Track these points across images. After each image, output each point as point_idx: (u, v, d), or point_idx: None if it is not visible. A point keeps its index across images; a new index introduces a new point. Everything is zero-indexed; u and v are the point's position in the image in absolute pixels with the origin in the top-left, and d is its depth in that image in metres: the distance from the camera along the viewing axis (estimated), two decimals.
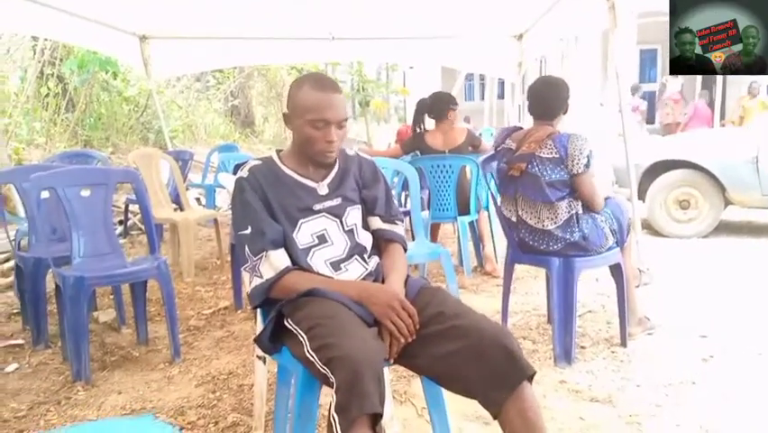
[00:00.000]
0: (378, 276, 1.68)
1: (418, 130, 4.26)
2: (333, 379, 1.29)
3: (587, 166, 2.51)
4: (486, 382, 1.38)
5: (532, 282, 3.87)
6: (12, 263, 4.00)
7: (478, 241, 4.34)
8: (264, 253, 1.57)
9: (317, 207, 1.68)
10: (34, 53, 7.69)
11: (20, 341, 3.06)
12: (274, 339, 1.58)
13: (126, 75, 9.05)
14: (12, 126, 6.74)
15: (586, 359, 2.64)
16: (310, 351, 1.38)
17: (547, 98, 2.67)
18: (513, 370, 1.37)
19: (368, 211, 1.78)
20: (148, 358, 2.83)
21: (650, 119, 12.69)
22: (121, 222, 5.82)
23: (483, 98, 15.24)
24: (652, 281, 3.61)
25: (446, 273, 2.89)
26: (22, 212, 4.00)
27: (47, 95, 7.64)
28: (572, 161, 2.49)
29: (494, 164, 2.79)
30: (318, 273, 1.61)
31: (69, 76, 7.91)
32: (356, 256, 1.69)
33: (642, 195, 5.32)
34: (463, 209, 4.09)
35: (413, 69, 19.76)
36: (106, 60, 7.34)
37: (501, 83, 14.84)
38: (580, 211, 2.57)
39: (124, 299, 3.28)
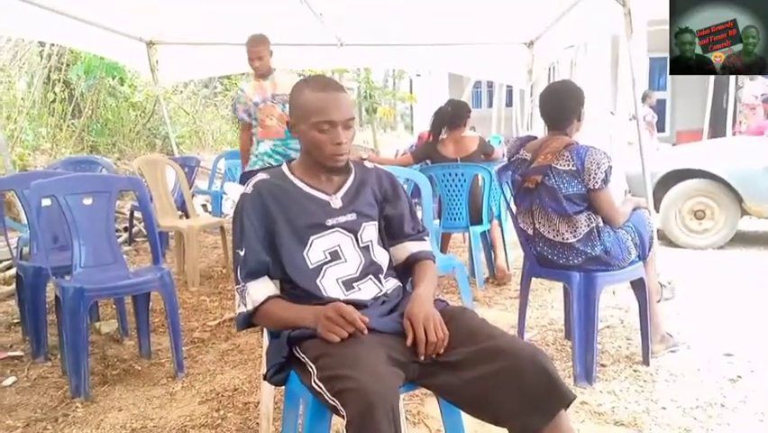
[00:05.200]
0: (396, 301, 1.58)
1: (439, 137, 4.16)
2: (343, 412, 1.18)
3: (605, 182, 2.39)
4: (520, 409, 1.27)
5: (546, 295, 3.76)
6: (15, 271, 3.92)
7: (490, 251, 4.23)
8: (244, 284, 1.53)
9: (330, 222, 1.58)
10: (41, 58, 7.64)
11: (19, 352, 2.96)
12: (282, 367, 1.47)
13: (133, 80, 9.01)
14: (17, 132, 6.69)
15: (607, 378, 2.52)
16: (317, 382, 1.29)
17: (559, 105, 2.55)
18: (552, 396, 1.27)
19: (395, 231, 1.69)
20: (150, 372, 2.73)
21: (660, 127, 12.56)
22: (126, 229, 5.75)
23: (491, 106, 15.15)
24: (674, 296, 3.49)
25: (461, 287, 2.79)
26: (25, 219, 3.92)
27: (53, 100, 7.60)
28: (589, 176, 2.38)
29: (509, 174, 2.68)
30: (327, 296, 1.51)
31: (76, 81, 7.87)
32: (371, 276, 1.58)
33: (655, 205, 5.20)
34: (475, 219, 3.98)
35: (420, 77, 19.71)
36: (113, 66, 7.29)
37: (509, 91, 14.75)
38: (601, 224, 2.46)
39: (127, 309, 3.19)
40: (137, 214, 5.54)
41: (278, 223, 1.55)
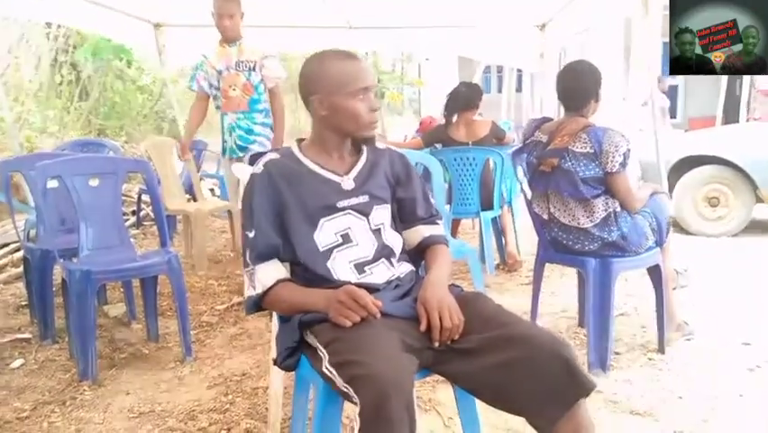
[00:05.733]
0: (409, 285, 1.52)
1: (452, 120, 4.08)
2: (356, 399, 1.14)
3: (623, 165, 2.33)
4: (538, 398, 1.23)
5: (558, 281, 3.70)
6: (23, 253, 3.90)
7: (500, 237, 4.17)
8: (253, 267, 1.48)
9: (341, 203, 1.52)
10: (48, 39, 7.59)
11: (27, 335, 2.95)
12: (292, 351, 1.43)
13: (141, 63, 8.94)
14: (24, 114, 6.66)
15: (622, 367, 2.47)
16: (329, 367, 1.25)
17: (578, 85, 2.48)
18: (572, 385, 1.22)
19: (407, 215, 1.64)
20: (158, 356, 2.71)
21: (672, 114, 12.40)
22: (133, 212, 5.72)
23: (500, 91, 15.00)
24: (689, 284, 3.42)
25: (473, 274, 2.74)
26: (32, 201, 3.90)
27: (60, 82, 7.56)
28: (607, 158, 2.31)
29: (524, 156, 2.62)
30: (338, 279, 1.46)
31: (83, 63, 7.81)
32: (383, 259, 1.53)
33: (669, 191, 5.12)
34: (486, 204, 3.92)
35: (428, 61, 19.52)
36: (120, 48, 7.23)
37: (519, 76, 14.60)
38: (618, 209, 2.40)
39: (135, 292, 3.16)
40: (145, 197, 5.51)
41: (289, 204, 1.50)
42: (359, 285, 1.43)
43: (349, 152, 1.60)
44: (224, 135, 3.66)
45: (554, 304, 3.30)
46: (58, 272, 2.87)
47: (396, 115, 19.78)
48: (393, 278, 1.51)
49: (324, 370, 1.26)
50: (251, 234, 1.49)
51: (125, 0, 4.86)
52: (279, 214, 1.50)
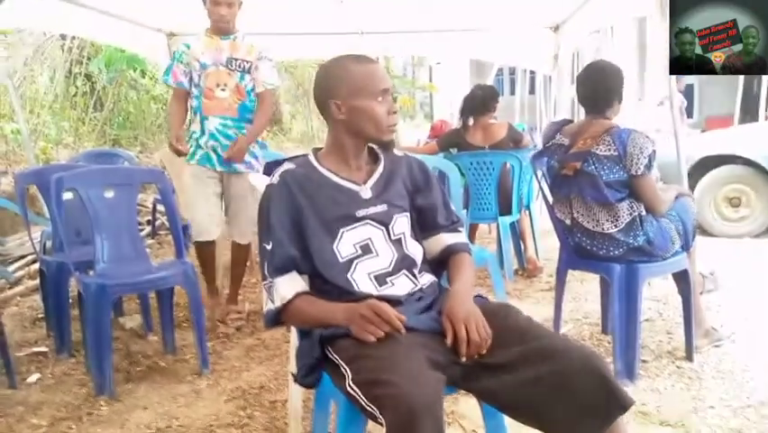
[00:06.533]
0: (432, 297, 1.48)
1: (468, 124, 4.02)
2: (382, 420, 1.09)
3: (648, 168, 2.26)
4: (574, 415, 1.18)
5: (578, 286, 3.62)
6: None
7: (519, 242, 4.11)
8: (271, 280, 1.44)
9: (360, 213, 1.48)
10: (62, 51, 7.65)
11: (43, 349, 2.93)
12: (313, 368, 1.38)
13: (155, 73, 8.98)
14: (40, 126, 6.70)
15: (650, 375, 2.40)
16: (353, 385, 1.20)
17: (601, 86, 2.42)
18: (608, 401, 1.17)
19: (428, 223, 1.59)
20: (175, 369, 2.67)
21: (688, 113, 12.24)
22: (149, 222, 5.72)
23: (513, 93, 14.93)
24: (717, 288, 3.33)
25: (493, 280, 2.68)
26: (48, 213, 3.90)
27: (75, 94, 7.60)
28: (631, 161, 2.25)
29: (545, 160, 2.56)
30: (359, 291, 1.42)
31: (97, 74, 7.86)
32: (404, 270, 1.48)
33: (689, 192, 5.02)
34: (504, 209, 3.86)
35: (439, 65, 19.49)
36: (134, 58, 7.26)
37: (532, 78, 14.51)
38: (644, 213, 2.33)
39: (151, 303, 3.14)
40: (160, 207, 5.50)
41: (307, 215, 1.46)
42: (380, 298, 1.39)
43: (366, 161, 1.56)
44: (197, 140, 3.07)
45: (576, 310, 3.23)
46: (74, 284, 2.85)
47: (408, 119, 19.74)
48: (415, 290, 1.47)
49: (348, 388, 1.22)
50: (269, 247, 1.45)
51: (138, 10, 4.86)
52: (297, 225, 1.46)
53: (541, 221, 4.25)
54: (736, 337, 2.72)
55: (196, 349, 2.64)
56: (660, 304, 3.24)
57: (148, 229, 5.60)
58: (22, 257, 4.41)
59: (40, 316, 3.39)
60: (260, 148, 3.29)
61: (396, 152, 1.64)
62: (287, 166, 1.55)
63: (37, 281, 3.82)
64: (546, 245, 4.18)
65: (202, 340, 2.60)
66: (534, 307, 3.30)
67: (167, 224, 5.58)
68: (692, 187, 5.13)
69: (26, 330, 3.25)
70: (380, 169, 1.57)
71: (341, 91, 1.46)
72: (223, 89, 3.02)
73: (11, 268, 4.18)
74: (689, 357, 2.51)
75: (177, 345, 2.86)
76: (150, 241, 5.32)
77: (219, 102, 3.03)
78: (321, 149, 1.59)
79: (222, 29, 3.04)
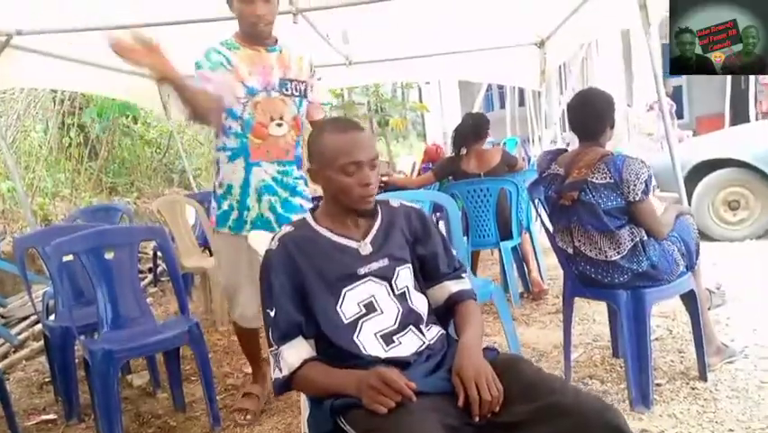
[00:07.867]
0: (441, 353, 1.46)
1: (460, 153, 4.05)
2: None
3: (645, 193, 2.26)
4: None
5: (586, 308, 3.59)
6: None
7: (522, 265, 4.09)
8: (277, 348, 1.43)
9: (362, 270, 1.48)
10: (54, 104, 7.69)
11: (52, 416, 2.90)
12: None
13: (146, 117, 9.03)
14: (36, 181, 6.71)
15: (665, 400, 2.37)
16: None
17: (591, 114, 2.43)
18: None
19: (431, 272, 1.59)
20: (186, 427, 2.64)
21: (678, 114, 12.29)
22: (150, 270, 5.70)
23: (503, 107, 14.97)
24: (724, 302, 3.31)
25: (500, 311, 2.65)
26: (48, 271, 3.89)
27: (69, 145, 7.63)
28: (628, 188, 2.24)
29: (542, 190, 2.56)
30: (367, 354, 1.41)
31: (90, 124, 7.90)
32: (411, 327, 1.47)
33: (687, 198, 5.01)
34: (504, 234, 3.86)
35: (429, 85, 19.61)
36: (125, 105, 7.31)
37: (521, 90, 14.58)
38: (645, 237, 2.32)
39: (158, 358, 3.11)
40: (161, 254, 5.49)
41: (308, 277, 1.46)
42: (388, 360, 1.38)
43: (366, 216, 1.56)
44: (243, 197, 2.33)
45: (585, 333, 3.20)
46: (79, 347, 2.83)
47: (401, 139, 19.80)
48: (423, 347, 1.45)
49: None
50: (272, 313, 1.44)
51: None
52: (299, 289, 1.46)
53: (541, 239, 4.23)
54: (748, 351, 2.70)
55: (206, 406, 2.61)
56: (668, 321, 3.22)
57: (150, 277, 5.58)
58: (26, 318, 4.38)
59: (47, 380, 3.36)
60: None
61: (392, 202, 1.64)
62: (285, 229, 1.55)
63: (41, 343, 3.80)
64: (549, 264, 4.16)
65: (212, 397, 2.58)
66: (541, 332, 3.27)
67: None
68: (689, 192, 5.13)
69: (33, 396, 3.22)
70: (378, 222, 1.57)
71: (317, 160, 1.50)
72: (279, 124, 2.30)
73: (14, 330, 4.15)
74: (702, 377, 2.48)
75: (186, 402, 2.83)
76: (152, 289, 5.30)
77: (274, 143, 2.31)
78: (317, 209, 1.59)
79: (263, 34, 2.28)
